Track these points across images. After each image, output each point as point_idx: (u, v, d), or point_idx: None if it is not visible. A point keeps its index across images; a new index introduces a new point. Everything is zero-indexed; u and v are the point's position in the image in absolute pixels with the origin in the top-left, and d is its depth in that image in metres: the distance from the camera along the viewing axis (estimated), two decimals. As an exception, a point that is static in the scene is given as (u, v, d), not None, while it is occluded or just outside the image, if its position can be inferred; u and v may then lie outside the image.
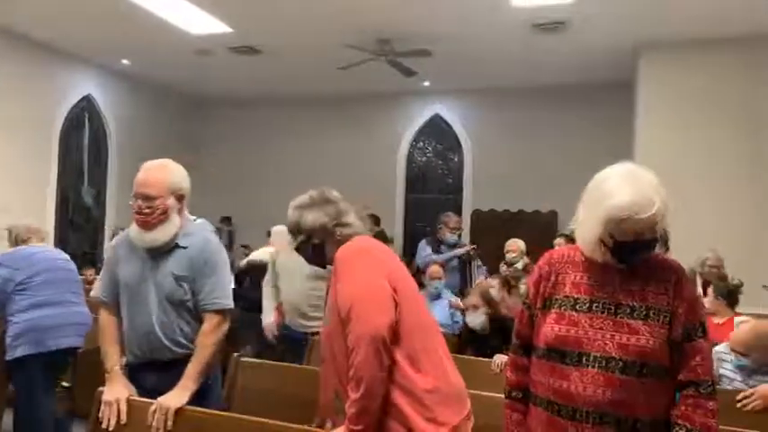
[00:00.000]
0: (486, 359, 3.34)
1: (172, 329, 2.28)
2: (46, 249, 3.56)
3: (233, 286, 4.50)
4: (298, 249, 2.04)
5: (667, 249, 3.10)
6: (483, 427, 2.01)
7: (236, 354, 2.94)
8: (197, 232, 2.36)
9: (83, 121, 8.89)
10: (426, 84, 9.08)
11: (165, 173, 2.32)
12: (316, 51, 7.64)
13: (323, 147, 9.99)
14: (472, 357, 3.38)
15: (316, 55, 7.78)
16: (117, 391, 2.20)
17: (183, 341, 2.30)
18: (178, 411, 2.11)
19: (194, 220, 2.46)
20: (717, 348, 3.18)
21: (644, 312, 1.62)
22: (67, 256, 3.64)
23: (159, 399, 2.13)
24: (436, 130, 9.94)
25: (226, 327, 2.29)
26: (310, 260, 2.06)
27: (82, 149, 8.91)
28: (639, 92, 7.09)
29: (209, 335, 2.24)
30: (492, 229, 8.16)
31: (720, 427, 2.25)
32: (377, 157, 9.80)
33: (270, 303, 4.08)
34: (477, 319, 3.64)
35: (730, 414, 2.70)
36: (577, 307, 1.67)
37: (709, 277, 4.98)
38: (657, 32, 6.50)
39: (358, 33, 6.84)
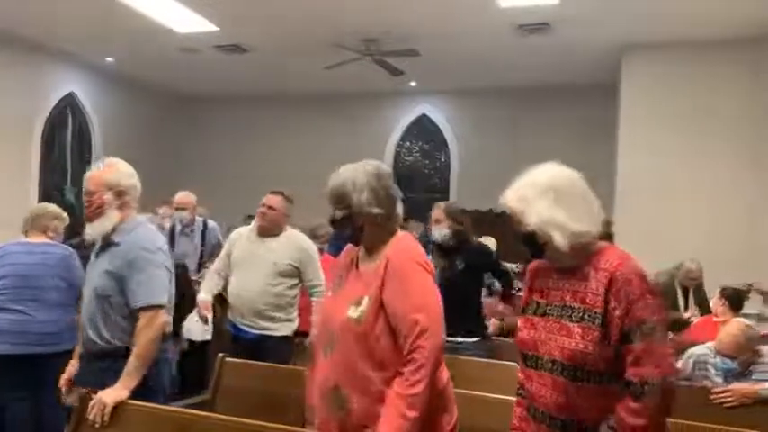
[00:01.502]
0: (469, 358, 3.36)
1: (95, 324, 2.33)
2: (22, 248, 3.36)
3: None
4: (333, 222, 1.91)
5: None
6: (470, 427, 2.02)
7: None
8: (135, 229, 2.38)
9: (66, 119, 8.80)
10: (413, 84, 9.09)
11: (106, 169, 2.40)
12: (302, 51, 7.63)
13: (310, 146, 9.97)
14: (461, 358, 3.37)
15: (302, 54, 7.77)
16: (105, 392, 2.21)
17: (107, 336, 2.33)
18: (118, 406, 2.17)
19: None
20: (696, 350, 3.22)
21: (580, 315, 1.63)
22: (61, 251, 3.39)
23: (99, 393, 2.19)
24: (423, 129, 9.96)
25: (160, 322, 2.30)
26: (346, 237, 1.92)
27: (65, 148, 8.82)
28: (622, 93, 7.16)
29: (142, 332, 2.27)
30: (477, 229, 8.18)
31: (695, 423, 2.32)
32: (364, 156, 9.45)
33: (209, 285, 3.63)
34: (440, 232, 3.62)
35: (705, 410, 2.76)
36: (538, 311, 1.74)
37: (688, 284, 5.10)
38: (640, 34, 6.57)
39: (344, 33, 6.84)
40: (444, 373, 1.87)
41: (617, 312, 1.57)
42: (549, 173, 1.73)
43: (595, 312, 1.59)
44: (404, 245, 1.87)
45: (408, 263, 1.81)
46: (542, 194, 1.67)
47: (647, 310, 1.55)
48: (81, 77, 8.78)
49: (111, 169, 2.40)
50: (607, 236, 3.19)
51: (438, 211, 3.73)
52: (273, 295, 3.44)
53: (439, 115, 9.77)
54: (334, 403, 1.79)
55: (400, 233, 1.91)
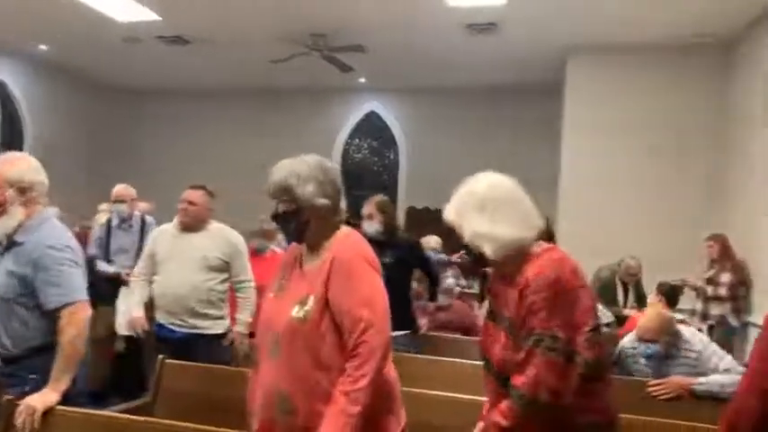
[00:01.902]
0: (415, 356, 3.37)
1: (3, 327, 2.21)
2: None
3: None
4: (275, 217, 1.85)
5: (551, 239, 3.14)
6: (416, 424, 2.01)
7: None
8: (40, 227, 2.26)
9: (-5, 108, 8.36)
10: (362, 80, 9.06)
11: (8, 165, 2.26)
12: (248, 43, 7.48)
13: (256, 141, 9.79)
14: (405, 355, 3.38)
15: (248, 47, 7.62)
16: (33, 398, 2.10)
17: (8, 343, 2.20)
18: (49, 411, 2.08)
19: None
20: (623, 342, 3.31)
21: (506, 322, 1.70)
22: None
23: (26, 399, 2.09)
24: (372, 127, 9.94)
25: (80, 318, 2.20)
26: (289, 233, 1.87)
27: (-6, 138, 8.38)
28: (566, 94, 7.33)
29: (62, 332, 2.17)
30: (426, 227, 8.24)
31: (631, 416, 2.38)
32: (311, 152, 9.64)
33: (139, 297, 3.47)
34: (372, 228, 3.67)
35: (642, 403, 2.84)
36: (490, 316, 1.82)
37: (627, 280, 5.31)
38: (584, 37, 6.73)
39: (292, 26, 6.75)
40: (392, 374, 1.83)
41: (524, 317, 1.63)
42: (482, 183, 1.76)
43: (514, 318, 1.66)
44: (350, 241, 1.83)
45: (354, 259, 1.77)
46: (474, 207, 1.71)
47: (541, 320, 1.59)
48: (11, 66, 8.35)
49: (12, 165, 2.25)
50: (548, 234, 3.29)
51: (370, 206, 3.76)
52: (204, 291, 3.33)
53: (388, 113, 9.77)
54: (279, 407, 1.74)
55: (345, 229, 1.87)
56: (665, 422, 2.39)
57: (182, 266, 3.33)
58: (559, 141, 7.52)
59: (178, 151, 10.20)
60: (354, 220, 3.01)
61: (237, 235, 3.52)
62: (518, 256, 1.69)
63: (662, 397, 2.94)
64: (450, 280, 5.22)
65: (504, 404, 1.61)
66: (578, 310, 1.62)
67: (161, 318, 3.39)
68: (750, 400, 1.53)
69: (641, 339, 3.17)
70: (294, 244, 1.90)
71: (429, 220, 8.82)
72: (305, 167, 1.81)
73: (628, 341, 3.33)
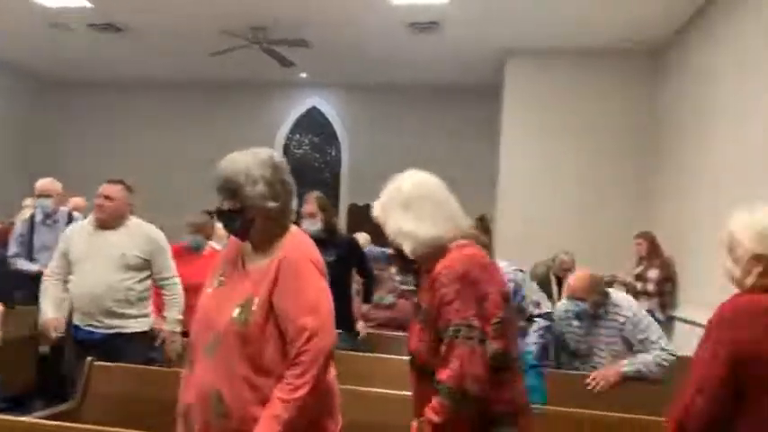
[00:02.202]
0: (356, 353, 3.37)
1: None
2: None
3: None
4: (219, 213, 1.78)
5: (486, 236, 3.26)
6: (358, 423, 1.99)
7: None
8: None
9: None
10: (304, 75, 8.97)
11: None
12: (186, 34, 7.26)
13: (193, 135, 9.53)
14: (343, 352, 3.35)
15: (186, 38, 7.40)
16: None
17: None
18: None
19: None
20: (557, 312, 3.44)
21: (422, 315, 1.76)
22: None
23: None
24: (313, 122, 9.86)
25: None
26: (233, 231, 1.79)
27: None
28: (505, 95, 7.48)
29: None
30: (367, 224, 8.26)
31: (570, 409, 2.45)
32: (251, 147, 9.52)
33: (52, 298, 3.26)
34: (314, 226, 3.65)
35: (587, 395, 2.95)
36: (414, 312, 1.87)
37: (561, 275, 5.50)
38: (522, 40, 6.87)
39: (232, 18, 6.59)
40: (331, 376, 1.81)
41: (436, 313, 1.68)
42: (408, 181, 1.82)
43: (429, 311, 1.72)
44: (298, 243, 1.79)
45: (302, 262, 1.73)
46: (398, 204, 1.78)
47: (456, 311, 1.64)
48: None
49: None
50: (484, 230, 3.36)
51: (311, 204, 3.72)
52: (122, 290, 3.20)
53: (330, 108, 9.71)
54: (215, 409, 1.68)
55: (293, 229, 1.82)
56: (591, 413, 2.48)
57: (98, 265, 3.17)
58: (499, 142, 7.67)
59: (115, 146, 9.78)
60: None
61: (158, 231, 3.39)
62: (436, 253, 1.74)
63: (598, 389, 3.05)
64: (397, 278, 5.24)
65: (434, 400, 1.63)
66: (487, 302, 1.68)
67: (77, 319, 3.22)
68: (699, 402, 1.60)
69: (571, 298, 3.28)
70: (234, 238, 1.84)
71: (371, 217, 8.84)
72: (254, 165, 1.74)
73: (561, 306, 3.47)
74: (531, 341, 3.25)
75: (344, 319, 3.64)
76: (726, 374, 1.59)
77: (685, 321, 5.46)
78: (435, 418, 1.62)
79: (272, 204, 1.73)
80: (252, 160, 1.75)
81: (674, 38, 6.40)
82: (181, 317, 3.31)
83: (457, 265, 1.68)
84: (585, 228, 6.84)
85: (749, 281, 1.69)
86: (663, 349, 3.10)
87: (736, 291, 1.75)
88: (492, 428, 1.69)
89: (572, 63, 7.08)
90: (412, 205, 1.76)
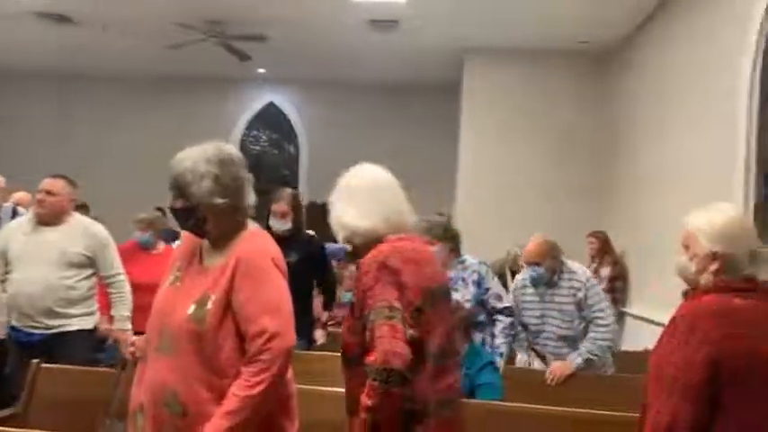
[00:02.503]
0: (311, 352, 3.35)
1: None
2: None
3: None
4: (173, 212, 1.76)
5: (455, 248, 3.33)
6: (315, 421, 1.98)
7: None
8: None
9: None
10: (262, 71, 8.85)
11: None
12: (140, 27, 7.07)
13: (148, 130, 9.29)
14: (302, 352, 3.32)
15: (141, 31, 7.20)
16: None
17: None
18: None
19: None
20: (514, 283, 3.57)
21: (353, 307, 1.81)
22: None
23: None
24: (271, 118, 9.75)
25: None
26: (188, 229, 1.78)
27: None
28: (463, 94, 7.55)
29: None
30: (327, 222, 8.22)
31: (526, 405, 2.49)
32: (207, 142, 9.34)
33: None
34: (284, 226, 3.57)
35: (545, 390, 3.00)
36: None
37: (516, 268, 5.60)
38: (479, 39, 6.94)
39: (188, 12, 6.45)
40: (289, 376, 1.77)
41: (361, 304, 1.71)
42: (355, 173, 1.87)
43: (354, 304, 1.77)
44: (257, 242, 1.75)
45: (262, 261, 1.70)
46: (342, 195, 1.83)
47: (376, 296, 1.67)
48: None
49: None
50: (445, 229, 3.40)
51: (284, 204, 3.62)
52: (63, 289, 3.08)
53: (288, 105, 9.62)
54: (170, 408, 1.64)
55: (252, 227, 1.79)
56: (538, 408, 2.53)
57: (37, 264, 3.05)
58: (458, 140, 7.73)
59: (63, 141, 9.44)
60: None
61: (101, 228, 3.29)
62: (369, 245, 1.78)
63: (554, 383, 3.15)
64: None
65: (367, 384, 1.63)
66: (407, 289, 1.70)
67: (15, 321, 3.09)
68: (687, 409, 1.58)
69: (528, 263, 3.36)
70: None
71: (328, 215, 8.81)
72: (201, 162, 1.70)
73: (517, 278, 3.56)
74: (500, 341, 3.30)
75: (303, 324, 3.54)
76: (704, 376, 1.57)
77: (635, 317, 5.63)
78: (368, 401, 1.62)
79: (219, 201, 1.69)
80: (198, 157, 1.71)
81: (627, 39, 6.55)
82: (129, 314, 3.21)
83: (380, 256, 1.72)
84: (540, 226, 6.88)
85: (704, 278, 1.70)
86: (606, 325, 3.23)
87: (685, 287, 1.79)
88: (412, 423, 1.69)
89: (528, 62, 7.19)
90: (354, 197, 1.80)
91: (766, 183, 3.75)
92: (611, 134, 6.90)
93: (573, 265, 3.41)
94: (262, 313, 1.63)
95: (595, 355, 3.20)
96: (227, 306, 1.65)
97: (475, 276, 3.34)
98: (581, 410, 2.50)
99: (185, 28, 6.61)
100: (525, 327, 3.45)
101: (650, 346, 4.30)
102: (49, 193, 3.12)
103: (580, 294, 3.26)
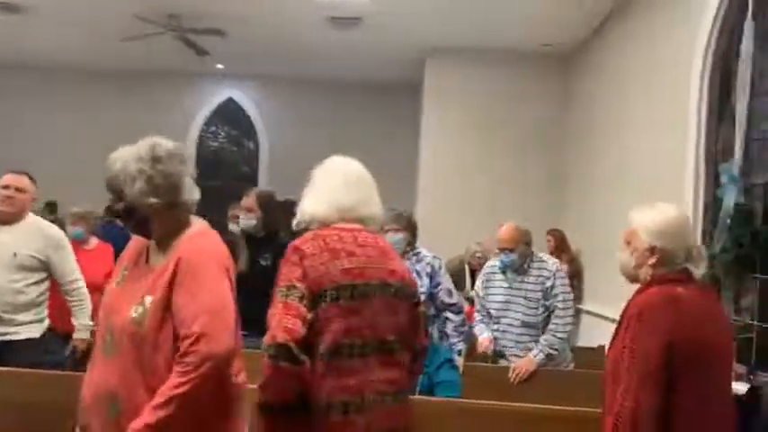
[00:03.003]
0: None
1: None
2: None
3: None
4: (115, 214, 1.73)
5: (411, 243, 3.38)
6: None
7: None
8: None
9: None
10: (220, 66, 8.70)
11: None
12: (94, 18, 6.86)
13: (106, 123, 8.99)
14: (257, 351, 3.27)
15: (95, 22, 6.98)
16: None
17: None
18: None
19: None
20: (485, 269, 3.62)
21: None
22: None
23: None
24: (230, 114, 9.59)
25: None
26: (131, 230, 1.76)
27: None
28: (425, 93, 7.58)
29: None
30: (288, 220, 8.14)
31: (488, 402, 2.52)
32: (165, 138, 9.13)
33: None
34: (248, 221, 3.48)
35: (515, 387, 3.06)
36: None
37: (474, 264, 5.69)
38: (441, 38, 6.96)
39: (146, 4, 6.28)
40: (240, 382, 1.73)
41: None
42: (323, 164, 1.90)
43: None
44: (201, 240, 1.71)
45: (203, 262, 1.66)
46: (309, 184, 1.87)
47: (281, 278, 1.68)
48: None
49: None
50: (410, 226, 3.41)
51: (249, 199, 3.54)
52: (11, 293, 2.91)
53: (248, 101, 9.48)
54: (109, 411, 1.61)
55: (197, 225, 1.75)
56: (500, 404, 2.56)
57: None
58: (419, 138, 7.76)
59: (9, 136, 9.08)
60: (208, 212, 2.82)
61: (57, 230, 3.15)
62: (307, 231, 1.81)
63: (518, 380, 3.22)
64: None
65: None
66: (306, 277, 1.66)
67: None
68: (646, 399, 1.64)
69: (500, 249, 3.43)
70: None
71: (291, 212, 8.72)
72: (132, 161, 1.66)
73: (488, 263, 3.62)
74: (455, 340, 3.33)
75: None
76: (661, 365, 1.65)
77: (590, 314, 5.75)
78: (264, 379, 1.61)
79: (154, 201, 1.65)
80: (130, 157, 1.68)
81: (586, 41, 6.68)
82: (91, 322, 3.06)
83: (298, 240, 1.73)
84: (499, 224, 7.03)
85: (643, 272, 1.80)
86: (565, 317, 3.33)
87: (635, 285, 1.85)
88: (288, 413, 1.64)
89: (490, 63, 7.25)
90: (313, 183, 1.85)
91: (716, 183, 3.85)
92: (571, 134, 7.03)
93: (543, 255, 3.53)
94: (195, 315, 1.58)
95: (555, 348, 3.29)
96: (166, 307, 1.61)
97: (428, 269, 3.38)
98: (541, 406, 2.54)
99: (142, 21, 6.44)
100: (488, 313, 3.51)
101: (604, 342, 4.43)
102: (18, 189, 2.98)
103: (548, 283, 3.35)
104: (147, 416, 1.53)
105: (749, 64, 3.45)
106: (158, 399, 1.54)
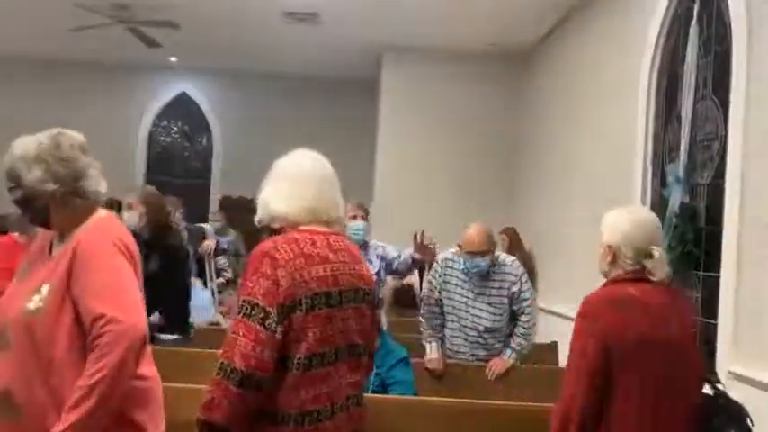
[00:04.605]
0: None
1: None
2: None
3: None
4: (15, 203, 1.69)
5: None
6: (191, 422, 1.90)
7: None
8: None
9: None
10: (173, 59, 8.49)
11: None
12: (37, 8, 6.58)
13: (54, 117, 8.54)
14: (174, 348, 3.20)
15: (37, 12, 6.71)
16: None
17: None
18: None
19: None
20: (443, 256, 3.48)
21: None
22: None
23: None
24: (183, 109, 9.38)
25: None
26: (31, 220, 1.74)
27: None
28: (381, 91, 7.58)
29: None
30: (241, 217, 8.00)
31: (445, 399, 2.53)
32: (113, 133, 8.82)
33: None
34: (129, 219, 3.20)
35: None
36: None
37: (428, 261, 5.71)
38: (397, 36, 6.95)
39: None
40: (150, 373, 1.69)
41: (241, 286, 1.64)
42: (289, 156, 1.80)
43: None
44: (101, 225, 1.68)
45: (101, 245, 1.62)
46: (271, 176, 1.74)
47: (245, 287, 1.55)
48: None
49: None
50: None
51: (133, 196, 3.36)
52: None
53: (201, 95, 9.28)
54: (3, 410, 1.55)
55: (102, 213, 1.72)
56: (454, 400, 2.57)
57: None
58: (376, 137, 7.75)
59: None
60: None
61: None
62: (285, 231, 1.69)
63: (493, 378, 3.26)
64: None
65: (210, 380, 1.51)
66: (280, 287, 1.54)
67: None
68: (578, 394, 1.70)
69: (472, 253, 3.23)
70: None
71: (244, 209, 8.58)
72: (33, 149, 1.64)
73: (447, 254, 3.44)
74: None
75: (176, 323, 3.42)
76: (598, 363, 1.71)
77: (543, 310, 5.86)
78: (207, 395, 1.48)
79: (51, 187, 1.63)
80: (29, 145, 1.66)
81: (538, 41, 6.78)
82: None
83: (272, 243, 1.59)
84: (457, 223, 7.06)
85: (603, 268, 1.90)
86: (530, 315, 3.35)
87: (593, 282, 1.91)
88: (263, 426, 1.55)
89: (444, 62, 7.28)
90: (278, 178, 1.74)
91: (663, 183, 3.97)
92: (525, 134, 7.13)
93: (501, 255, 3.43)
94: (100, 298, 1.54)
95: (525, 348, 3.35)
96: (64, 295, 1.56)
97: (379, 251, 3.48)
98: (496, 402, 2.57)
99: (88, 11, 6.22)
100: (441, 309, 3.39)
101: (555, 338, 4.51)
102: None
103: (515, 288, 3.29)
104: (69, 414, 1.46)
105: (693, 68, 3.57)
106: (77, 393, 1.48)
